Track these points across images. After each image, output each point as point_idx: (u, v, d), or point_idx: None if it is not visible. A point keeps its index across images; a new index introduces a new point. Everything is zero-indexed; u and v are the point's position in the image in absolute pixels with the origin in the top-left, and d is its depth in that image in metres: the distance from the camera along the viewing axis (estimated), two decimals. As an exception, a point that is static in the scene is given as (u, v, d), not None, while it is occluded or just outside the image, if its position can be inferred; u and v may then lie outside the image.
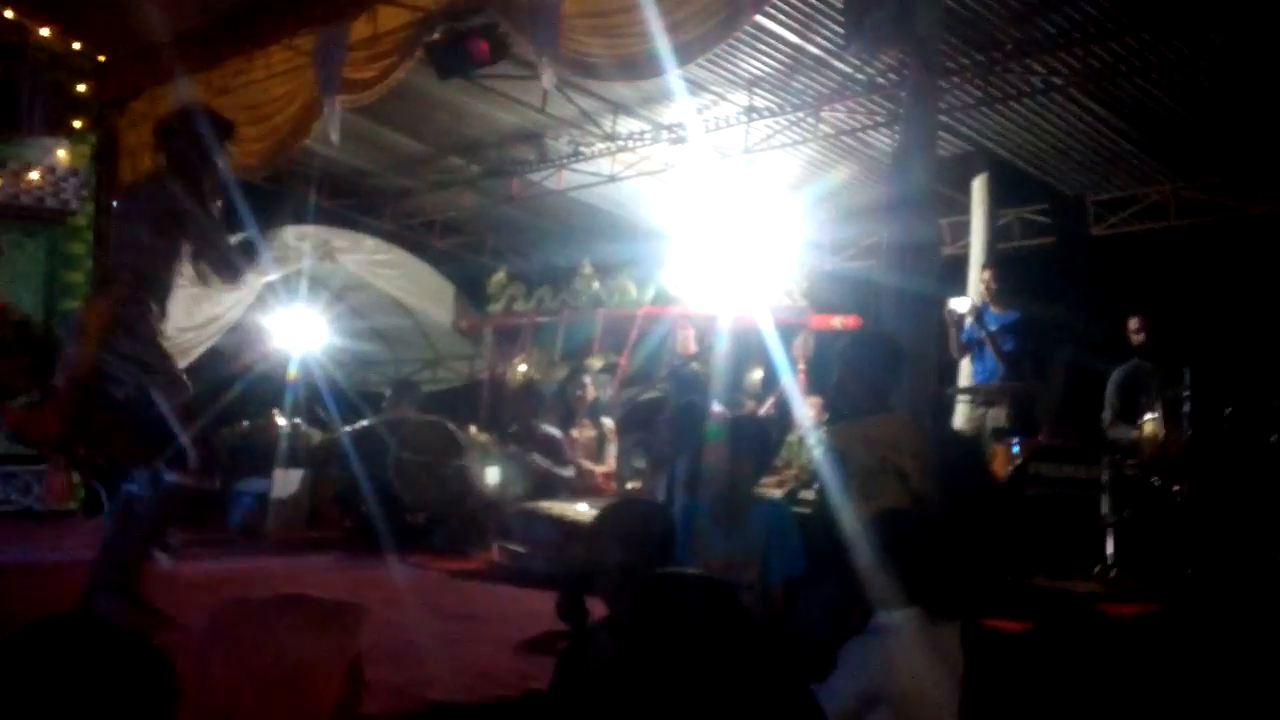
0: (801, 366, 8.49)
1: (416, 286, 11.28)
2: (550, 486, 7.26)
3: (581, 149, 9.68)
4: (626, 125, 9.15)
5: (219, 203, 4.40)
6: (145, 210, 4.31)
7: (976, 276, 7.82)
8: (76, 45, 8.32)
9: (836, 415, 4.96)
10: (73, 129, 8.30)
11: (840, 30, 6.26)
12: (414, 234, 12.01)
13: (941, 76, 6.42)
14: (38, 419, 4.67)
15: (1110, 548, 5.69)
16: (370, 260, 10.88)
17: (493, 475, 7.19)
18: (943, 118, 7.08)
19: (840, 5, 6.07)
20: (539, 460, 7.48)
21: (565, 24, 5.99)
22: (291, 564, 6.50)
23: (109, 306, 4.18)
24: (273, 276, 5.04)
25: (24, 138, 8.07)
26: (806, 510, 4.59)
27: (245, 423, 8.80)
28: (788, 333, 8.26)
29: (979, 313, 6.85)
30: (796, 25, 7.07)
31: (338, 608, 1.78)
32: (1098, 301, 8.08)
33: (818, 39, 7.20)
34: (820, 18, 6.90)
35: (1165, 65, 7.10)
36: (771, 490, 6.13)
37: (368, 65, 6.94)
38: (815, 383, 8.02)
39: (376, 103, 7.23)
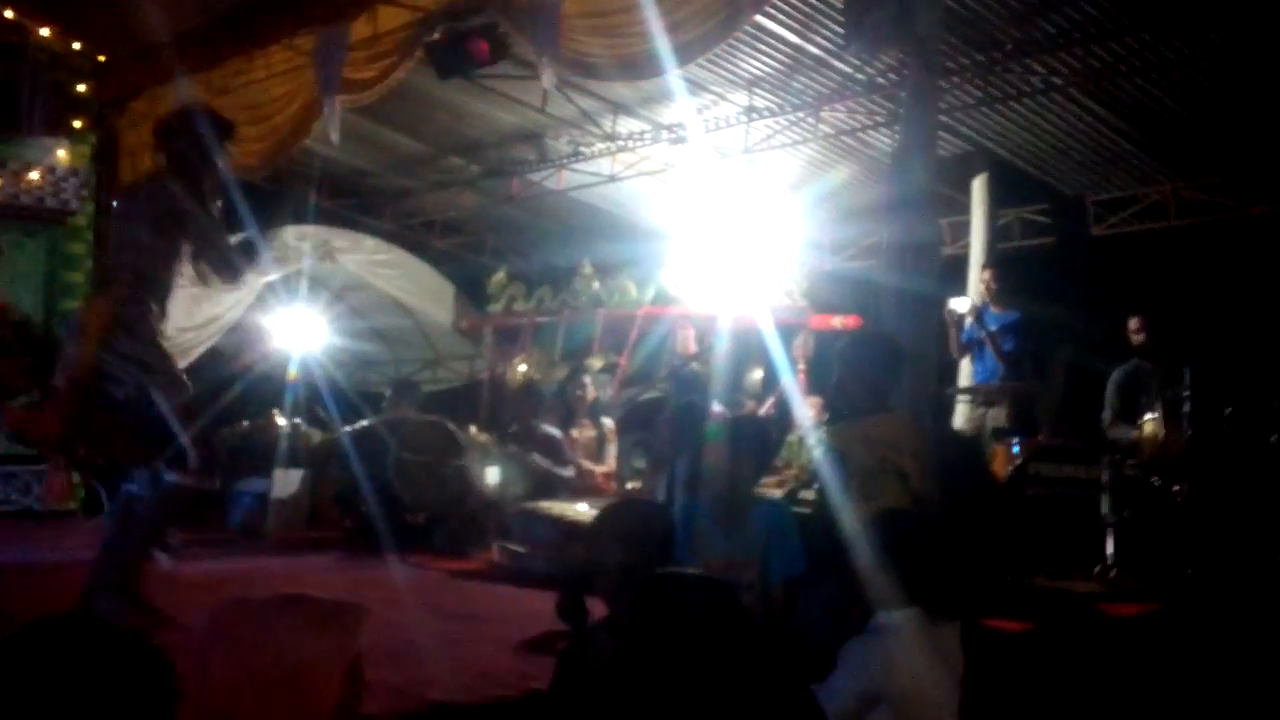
0: (801, 366, 8.50)
1: (416, 286, 11.28)
2: (550, 486, 7.26)
3: (581, 149, 9.68)
4: (626, 125, 9.15)
5: (219, 203, 4.39)
6: (145, 210, 4.31)
7: (976, 276, 7.82)
8: (76, 45, 8.32)
9: (836, 415, 4.96)
10: (73, 129, 8.30)
11: (840, 30, 6.26)
12: (414, 234, 12.01)
13: (941, 76, 6.42)
14: (38, 419, 4.67)
15: (1110, 548, 5.70)
16: (370, 260, 10.88)
17: (493, 475, 7.19)
18: (943, 118, 7.08)
19: (840, 5, 6.07)
20: (539, 460, 7.48)
21: (565, 24, 5.99)
22: (291, 564, 6.50)
23: (109, 306, 4.18)
24: (273, 276, 5.04)
25: (24, 138, 8.07)
26: (806, 510, 4.59)
27: (245, 423, 8.80)
28: (788, 333, 8.26)
29: (979, 313, 6.85)
30: (796, 25, 7.07)
31: (338, 608, 1.78)
32: (1098, 301, 8.09)
33: (818, 39, 7.20)
34: (820, 18, 6.90)
35: (1165, 65, 7.10)
36: (771, 490, 6.12)
37: (368, 65, 6.94)
38: (815, 383, 8.02)
39: (376, 103, 7.23)
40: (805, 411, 7.35)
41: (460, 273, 11.57)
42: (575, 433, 8.00)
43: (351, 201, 11.45)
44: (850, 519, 3.47)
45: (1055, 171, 9.10)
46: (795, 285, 8.82)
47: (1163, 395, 5.98)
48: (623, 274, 9.23)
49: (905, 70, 5.93)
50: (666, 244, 9.44)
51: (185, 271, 4.29)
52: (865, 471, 3.90)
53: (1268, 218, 8.41)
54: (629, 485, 7.34)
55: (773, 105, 8.30)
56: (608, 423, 8.11)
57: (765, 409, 7.88)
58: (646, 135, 9.21)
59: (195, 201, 4.24)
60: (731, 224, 8.63)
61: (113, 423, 4.21)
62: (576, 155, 9.78)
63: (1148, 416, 6.04)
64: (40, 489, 7.83)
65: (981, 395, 6.79)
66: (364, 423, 7.95)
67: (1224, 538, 5.66)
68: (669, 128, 9.06)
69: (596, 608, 2.80)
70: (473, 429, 8.12)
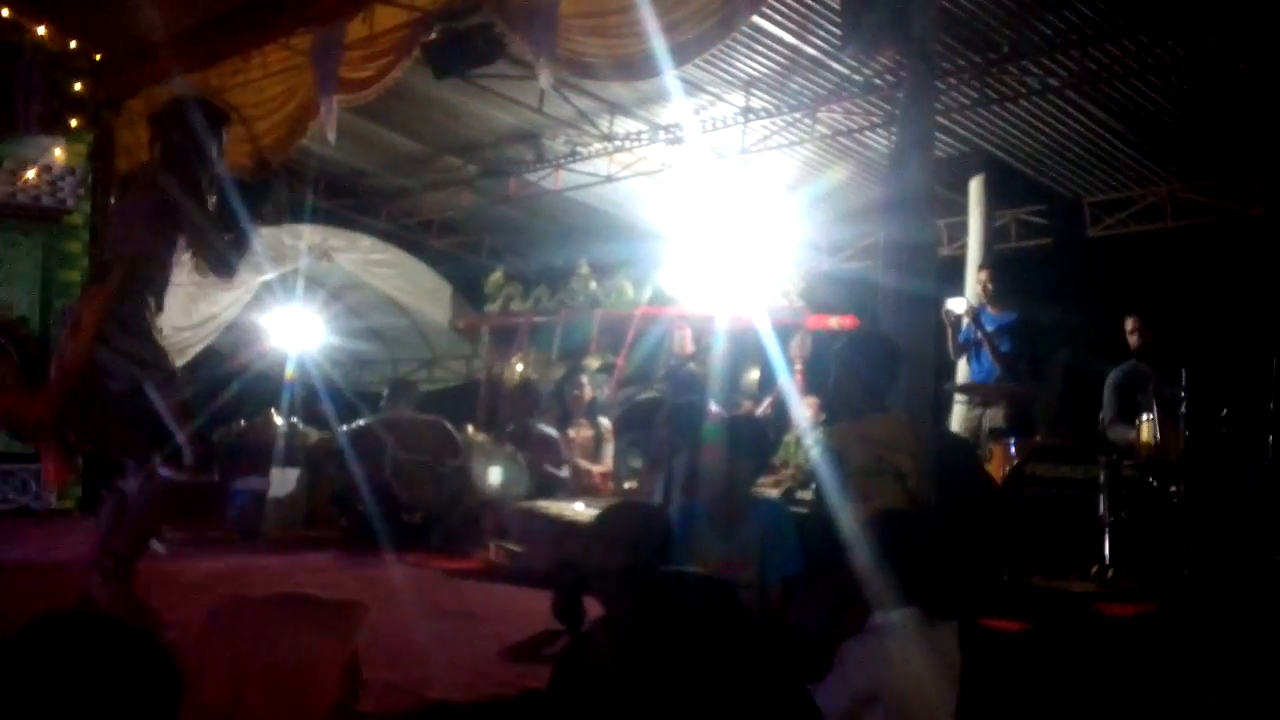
0: (798, 367, 8.51)
1: (413, 286, 11.28)
2: (547, 486, 7.26)
3: (578, 149, 9.68)
4: (623, 125, 9.15)
5: (214, 197, 4.34)
6: (141, 202, 4.27)
7: (973, 277, 7.82)
8: (73, 44, 8.30)
9: (834, 415, 4.96)
10: (69, 128, 8.28)
11: (837, 31, 6.26)
12: (411, 233, 12.01)
13: (938, 78, 6.42)
14: (29, 406, 4.62)
15: (1107, 548, 5.70)
16: (367, 260, 10.89)
17: (495, 476, 7.18)
18: (940, 119, 7.10)
19: (837, 6, 6.07)
20: (535, 459, 7.48)
21: (562, 24, 5.99)
22: (288, 563, 6.49)
23: (105, 299, 4.12)
24: (269, 276, 5.03)
25: (20, 136, 8.04)
26: (804, 510, 4.59)
27: (242, 421, 8.79)
28: (785, 333, 8.27)
29: (976, 313, 6.86)
30: (793, 26, 7.07)
31: (335, 607, 1.78)
32: (1094, 303, 8.09)
33: (815, 40, 7.20)
34: (817, 19, 6.90)
35: (1162, 67, 7.10)
36: (769, 490, 6.13)
37: (364, 65, 6.93)
38: (812, 383, 8.03)
39: (373, 102, 7.22)
40: (802, 411, 7.36)
41: (457, 272, 11.57)
42: (572, 432, 8.00)
43: (348, 201, 11.45)
44: (848, 519, 3.48)
45: (1052, 173, 9.11)
46: (792, 285, 8.83)
47: (1159, 396, 5.99)
48: (620, 274, 9.23)
49: (902, 71, 5.93)
50: (663, 244, 9.44)
51: (183, 270, 4.26)
52: (862, 471, 3.91)
53: (1264, 219, 8.42)
54: (626, 485, 7.34)
55: (769, 106, 8.30)
56: (605, 423, 8.11)
57: (762, 409, 7.88)
58: (643, 136, 9.21)
59: (190, 194, 4.19)
60: (728, 224, 8.63)
61: (106, 417, 4.18)
62: (573, 155, 9.77)
63: (1144, 417, 6.05)
64: (38, 487, 7.82)
65: (979, 395, 6.80)
66: (361, 422, 7.94)
67: (1221, 538, 5.67)
68: (666, 128, 9.06)
69: (592, 607, 2.80)
70: (470, 429, 8.11)
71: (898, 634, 2.73)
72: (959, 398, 7.02)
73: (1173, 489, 5.80)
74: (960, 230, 9.21)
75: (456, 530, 7.03)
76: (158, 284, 4.21)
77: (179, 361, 4.33)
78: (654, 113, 8.86)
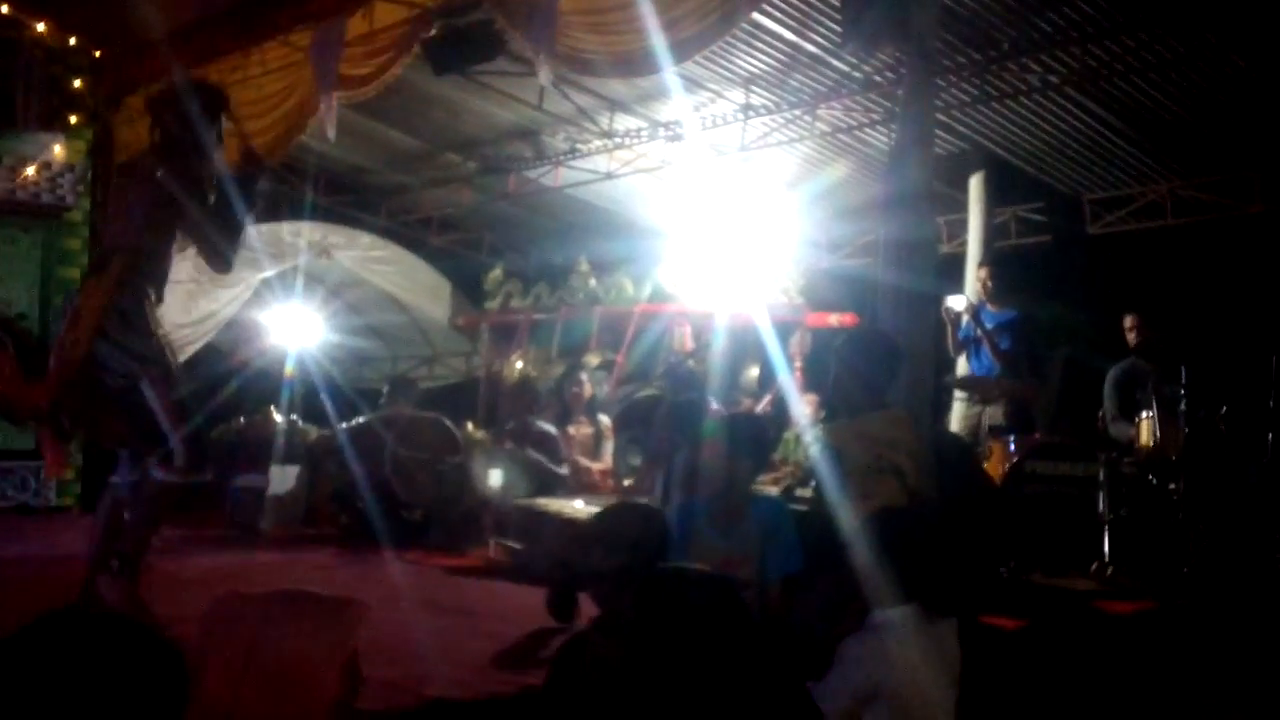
0: (798, 364, 8.51)
1: (413, 283, 11.28)
2: (547, 483, 7.26)
3: (578, 146, 9.66)
4: (623, 122, 9.14)
5: (211, 189, 4.30)
6: (141, 194, 4.24)
7: (973, 274, 7.82)
8: (73, 40, 8.29)
9: (833, 413, 4.96)
10: (69, 124, 8.27)
11: (837, 28, 6.26)
12: (410, 230, 11.99)
13: (938, 74, 6.41)
14: (26, 392, 4.59)
15: (1107, 545, 5.71)
16: (366, 257, 10.89)
17: (494, 474, 7.18)
18: (939, 116, 7.09)
19: (837, 3, 6.07)
20: (534, 457, 7.48)
21: (562, 20, 5.98)
22: (288, 560, 6.49)
23: (105, 292, 4.09)
24: (269, 273, 5.01)
25: (20, 133, 8.04)
26: (803, 508, 4.59)
27: (242, 419, 8.79)
28: (784, 330, 8.27)
29: (975, 311, 6.85)
30: (793, 23, 7.06)
31: (335, 604, 1.78)
32: (1094, 300, 8.10)
33: (814, 37, 7.20)
34: (817, 15, 6.89)
35: (1162, 64, 7.10)
36: (768, 488, 6.13)
37: (364, 61, 6.92)
38: (812, 380, 8.03)
39: (373, 99, 7.21)
40: (802, 409, 7.35)
41: (457, 269, 11.56)
42: (572, 430, 7.99)
43: (348, 198, 11.43)
44: (847, 516, 3.48)
45: (1052, 170, 9.11)
46: (792, 283, 8.82)
47: (1159, 393, 5.99)
48: (619, 271, 9.23)
49: (902, 68, 5.93)
50: (663, 241, 9.44)
51: (183, 267, 4.24)
52: (862, 469, 3.90)
53: (1264, 217, 8.41)
54: (625, 482, 7.34)
55: (769, 103, 8.29)
56: (604, 420, 8.11)
57: (762, 406, 7.88)
58: (643, 132, 9.20)
59: (187, 184, 4.16)
60: (728, 221, 8.63)
61: (101, 408, 4.17)
62: (573, 152, 9.76)
63: (1144, 415, 6.06)
64: (37, 484, 7.82)
65: (978, 393, 6.80)
66: (361, 419, 7.95)
67: (1220, 536, 5.67)
68: (666, 125, 9.04)
69: (586, 603, 2.80)
70: (469, 426, 8.12)
71: (897, 631, 2.73)
72: (959, 395, 7.01)
73: (1172, 486, 5.81)
74: (960, 227, 9.21)
75: (456, 528, 7.04)
76: (158, 276, 4.20)
77: (179, 358, 4.30)
78: (654, 110, 8.85)
